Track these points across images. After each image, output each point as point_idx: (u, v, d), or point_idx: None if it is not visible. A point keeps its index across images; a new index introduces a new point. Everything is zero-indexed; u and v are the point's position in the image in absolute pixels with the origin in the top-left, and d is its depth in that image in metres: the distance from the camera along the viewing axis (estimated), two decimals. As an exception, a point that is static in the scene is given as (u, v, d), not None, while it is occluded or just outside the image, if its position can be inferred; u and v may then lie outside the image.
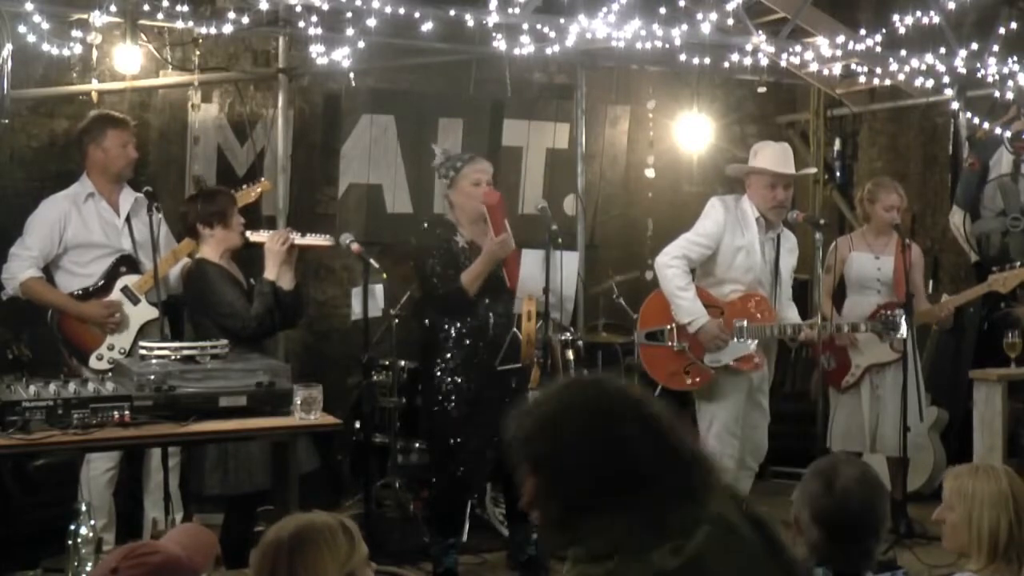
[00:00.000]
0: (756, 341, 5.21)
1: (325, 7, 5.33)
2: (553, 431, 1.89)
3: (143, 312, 5.01)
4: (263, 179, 5.56)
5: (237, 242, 4.81)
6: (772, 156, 5.28)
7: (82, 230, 5.00)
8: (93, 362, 4.89)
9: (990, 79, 6.45)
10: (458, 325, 4.97)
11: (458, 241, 4.98)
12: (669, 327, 5.19)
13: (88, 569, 3.27)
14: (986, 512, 2.71)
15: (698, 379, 5.22)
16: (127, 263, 5.03)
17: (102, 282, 4.99)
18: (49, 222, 4.96)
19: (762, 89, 7.35)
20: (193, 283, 4.80)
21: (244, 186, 5.35)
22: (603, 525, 1.84)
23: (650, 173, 7.45)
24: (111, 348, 4.92)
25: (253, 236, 4.78)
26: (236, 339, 4.47)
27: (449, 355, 4.96)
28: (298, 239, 4.78)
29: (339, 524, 2.15)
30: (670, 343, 5.18)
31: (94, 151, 5.07)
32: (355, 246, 4.94)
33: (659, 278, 5.20)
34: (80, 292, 4.98)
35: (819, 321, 5.24)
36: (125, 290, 4.99)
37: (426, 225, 5.19)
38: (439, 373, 4.98)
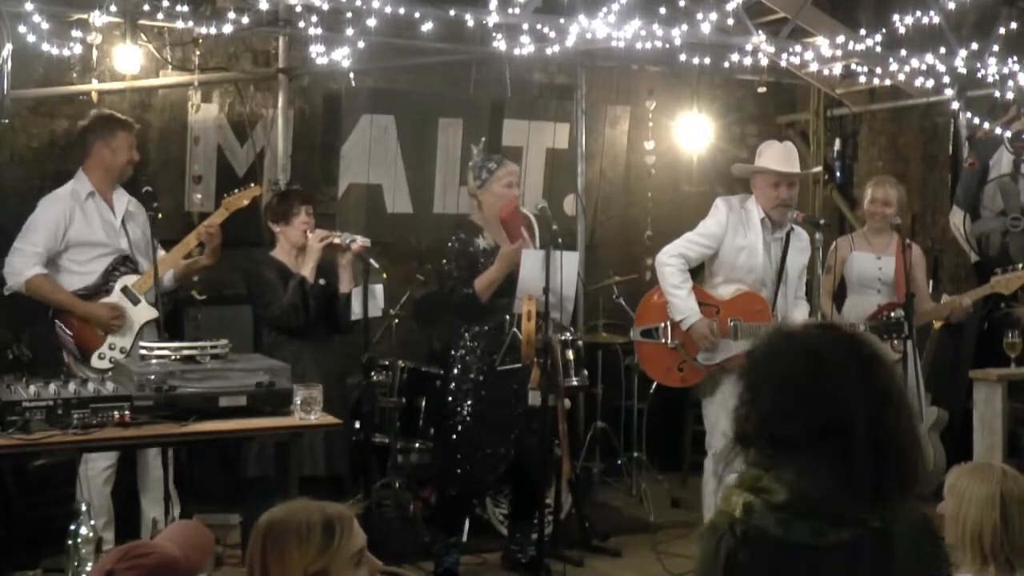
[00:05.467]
0: (747, 341, 5.19)
1: (325, 7, 5.32)
2: (777, 361, 1.97)
3: (143, 312, 5.01)
4: (252, 184, 5.53)
5: (299, 240, 5.04)
6: (775, 155, 5.27)
7: (84, 228, 4.99)
8: (95, 361, 4.90)
9: (990, 79, 6.43)
10: (475, 326, 5.00)
11: (479, 243, 5.01)
12: (664, 324, 5.19)
13: (88, 569, 3.27)
14: (971, 511, 2.72)
15: (691, 377, 5.22)
16: (125, 263, 5.04)
17: (102, 281, 4.99)
18: (54, 219, 4.94)
19: (762, 89, 7.35)
20: (244, 274, 5.11)
21: (236, 190, 5.34)
22: (790, 465, 1.89)
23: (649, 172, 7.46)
24: (112, 348, 4.93)
25: (310, 235, 4.99)
26: (279, 331, 4.90)
27: (468, 355, 5.00)
28: (337, 238, 4.97)
29: (322, 519, 2.13)
30: (664, 340, 5.19)
31: (100, 149, 5.06)
32: (355, 245, 4.96)
33: (657, 274, 5.21)
34: (82, 291, 4.97)
35: (818, 319, 5.23)
36: (125, 290, 5.00)
37: (456, 244, 5.06)
38: (456, 372, 5.02)
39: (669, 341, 5.17)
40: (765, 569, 1.86)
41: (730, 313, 5.14)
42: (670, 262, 5.14)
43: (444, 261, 5.04)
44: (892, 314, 5.44)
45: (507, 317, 5.00)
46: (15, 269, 4.90)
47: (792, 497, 1.86)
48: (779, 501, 1.86)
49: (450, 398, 5.03)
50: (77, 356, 4.93)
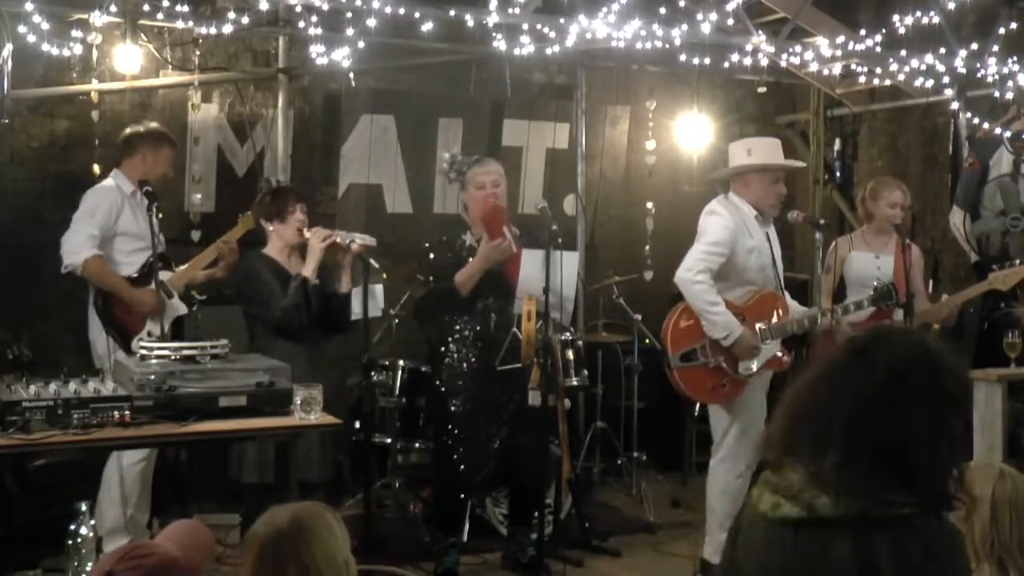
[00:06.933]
0: (779, 341, 5.15)
1: (325, 7, 5.32)
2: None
3: (175, 307, 5.12)
4: (248, 213, 5.44)
5: (293, 238, 4.98)
6: (770, 151, 5.24)
7: (131, 220, 5.09)
8: (134, 345, 4.94)
9: (990, 79, 6.44)
10: (461, 325, 5.01)
11: (466, 240, 5.04)
12: (701, 344, 5.04)
13: (88, 569, 3.27)
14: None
15: (734, 391, 5.08)
16: (160, 259, 5.10)
17: (141, 274, 5.07)
18: (107, 206, 5.04)
19: (762, 89, 7.34)
20: (237, 272, 5.07)
21: (240, 216, 5.33)
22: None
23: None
24: (150, 335, 4.97)
25: (307, 233, 4.93)
26: (276, 332, 4.80)
27: (454, 354, 5.01)
28: (339, 238, 4.89)
29: (327, 510, 2.15)
30: (704, 360, 5.02)
31: (146, 154, 5.18)
32: (355, 245, 4.95)
33: (685, 295, 5.04)
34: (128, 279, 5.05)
35: (823, 307, 5.19)
36: (161, 284, 5.05)
37: (444, 238, 5.17)
38: (444, 372, 5.03)
39: (711, 360, 5.02)
40: (755, 545, 2.01)
41: (755, 317, 5.06)
42: (699, 279, 4.97)
43: (433, 255, 5.09)
44: (885, 283, 5.42)
45: (491, 315, 5.03)
46: (74, 248, 4.96)
47: (796, 480, 1.96)
48: (784, 484, 1.97)
49: (440, 395, 5.05)
50: (120, 339, 4.99)
